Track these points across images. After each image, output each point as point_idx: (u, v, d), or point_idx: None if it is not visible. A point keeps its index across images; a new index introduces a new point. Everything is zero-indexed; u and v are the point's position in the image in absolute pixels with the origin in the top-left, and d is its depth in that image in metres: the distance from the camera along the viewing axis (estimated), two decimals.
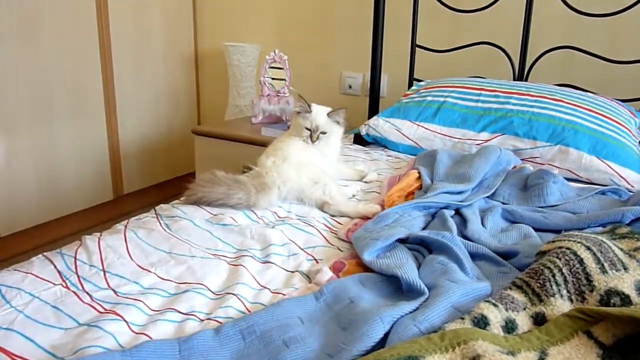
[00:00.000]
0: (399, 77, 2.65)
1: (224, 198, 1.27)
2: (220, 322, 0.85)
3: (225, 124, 2.73)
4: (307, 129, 1.54)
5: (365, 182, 1.60)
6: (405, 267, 0.92)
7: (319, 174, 1.41)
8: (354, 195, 1.48)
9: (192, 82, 3.27)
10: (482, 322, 0.76)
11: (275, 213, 1.30)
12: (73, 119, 2.61)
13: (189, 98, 3.28)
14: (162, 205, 1.31)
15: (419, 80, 2.37)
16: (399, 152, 1.98)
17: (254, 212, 1.29)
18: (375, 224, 1.14)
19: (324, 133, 1.55)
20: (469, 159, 1.55)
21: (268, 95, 2.61)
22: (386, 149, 2.02)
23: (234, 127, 2.65)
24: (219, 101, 3.27)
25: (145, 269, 1.00)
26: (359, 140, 2.09)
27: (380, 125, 2.01)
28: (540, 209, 1.27)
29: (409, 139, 1.95)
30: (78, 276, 0.96)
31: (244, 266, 1.01)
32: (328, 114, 1.55)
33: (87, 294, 0.91)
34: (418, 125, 1.95)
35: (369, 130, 2.04)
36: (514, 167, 1.55)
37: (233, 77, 2.85)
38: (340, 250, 1.11)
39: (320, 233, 1.19)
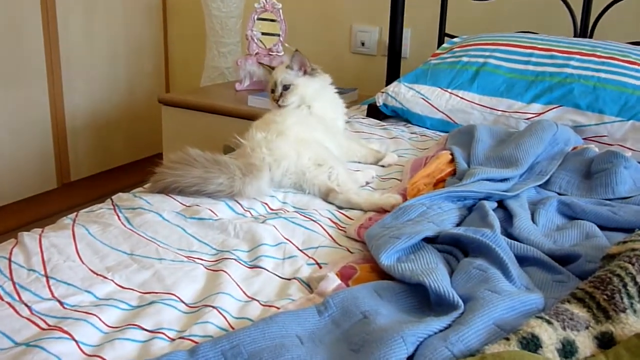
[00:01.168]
0: (426, 32, 2.65)
1: (200, 184, 1.27)
2: (197, 342, 0.85)
3: (201, 91, 2.72)
4: (271, 91, 1.67)
5: (382, 165, 1.61)
6: (434, 273, 0.92)
7: (323, 154, 1.41)
8: (367, 183, 1.48)
9: (158, 37, 3.28)
10: (532, 344, 0.76)
11: (266, 204, 1.31)
12: (5, 85, 2.61)
13: (154, 58, 3.28)
14: (120, 194, 1.31)
15: (452, 37, 2.36)
16: (426, 127, 1.98)
17: (239, 203, 1.29)
18: (396, 219, 1.14)
19: (286, 88, 1.64)
20: (516, 137, 1.54)
21: (257, 54, 2.60)
22: (409, 124, 2.03)
23: (213, 95, 2.64)
24: (193, 62, 3.26)
25: (100, 275, 1.00)
26: (374, 112, 2.09)
27: (402, 93, 2.02)
28: (608, 201, 1.27)
29: (439, 111, 1.95)
30: (14, 283, 0.97)
31: (226, 272, 1.02)
32: (287, 66, 1.68)
33: (26, 305, 0.91)
34: (451, 93, 1.95)
35: (388, 99, 2.05)
36: (574, 148, 1.55)
37: (212, 31, 2.85)
38: (350, 252, 1.12)
39: (325, 230, 1.19)
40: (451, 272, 0.98)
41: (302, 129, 1.47)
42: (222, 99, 2.53)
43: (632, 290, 0.83)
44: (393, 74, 2.46)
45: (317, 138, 1.47)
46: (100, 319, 0.89)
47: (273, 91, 1.67)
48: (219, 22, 2.83)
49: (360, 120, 2.04)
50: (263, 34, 2.63)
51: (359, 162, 1.62)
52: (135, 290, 0.97)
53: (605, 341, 0.80)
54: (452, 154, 1.49)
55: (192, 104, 2.49)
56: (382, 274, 0.99)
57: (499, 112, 1.86)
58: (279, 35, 2.61)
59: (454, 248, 1.05)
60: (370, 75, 2.82)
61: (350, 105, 2.35)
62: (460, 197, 1.23)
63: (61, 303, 0.93)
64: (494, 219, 1.12)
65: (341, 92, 2.42)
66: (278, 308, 0.93)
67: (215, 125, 2.43)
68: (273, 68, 1.73)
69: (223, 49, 2.86)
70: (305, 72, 1.68)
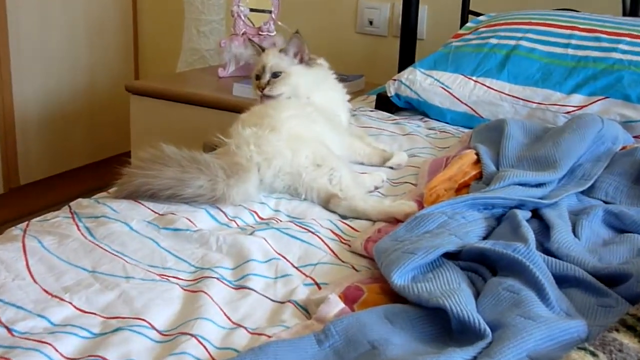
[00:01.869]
0: (447, 9, 2.66)
1: (176, 187, 1.28)
2: None
3: (177, 78, 2.73)
4: (256, 77, 1.68)
5: (391, 167, 1.63)
6: (457, 295, 0.92)
7: (323, 152, 1.42)
8: (376, 188, 1.49)
9: (126, 14, 3.28)
10: None
11: (255, 212, 1.31)
12: None
13: (121, 39, 3.28)
14: (80, 200, 1.31)
15: (478, 14, 2.37)
16: (446, 122, 2.00)
17: (222, 210, 1.29)
18: (410, 231, 1.14)
19: (276, 76, 1.64)
20: (553, 134, 1.55)
21: (244, 34, 2.61)
22: (426, 118, 2.04)
23: (191, 82, 2.64)
24: (167, 43, 3.27)
25: (56, 296, 1.00)
26: (384, 104, 2.10)
27: (418, 81, 2.03)
28: None
29: (462, 102, 1.96)
30: None
31: (206, 293, 1.01)
32: (281, 50, 1.69)
33: None
34: (476, 81, 1.96)
35: (400, 88, 2.06)
36: (623, 147, 1.55)
37: (190, 6, 2.86)
38: (356, 270, 1.12)
39: (325, 243, 1.19)
40: (477, 294, 0.98)
41: (299, 123, 1.47)
42: (202, 87, 2.54)
43: None
44: (407, 59, 2.47)
45: (316, 134, 1.48)
46: (55, 349, 0.89)
47: (258, 77, 1.67)
48: None
49: (368, 114, 2.04)
50: (252, 10, 2.64)
51: (362, 163, 1.64)
52: (98, 315, 0.97)
53: None
54: (477, 154, 1.49)
55: (167, 93, 2.50)
56: (394, 296, 0.99)
57: (534, 105, 1.87)
58: (270, 11, 2.62)
59: (479, 265, 1.05)
60: (380, 59, 2.83)
61: (356, 96, 2.35)
62: (487, 205, 1.23)
63: (9, 330, 0.93)
64: (528, 231, 1.12)
65: (344, 79, 2.43)
66: (269, 337, 0.93)
67: (193, 119, 2.44)
68: (264, 49, 1.74)
69: (204, 27, 2.87)
70: (301, 60, 1.68)
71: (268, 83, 1.65)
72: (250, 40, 1.89)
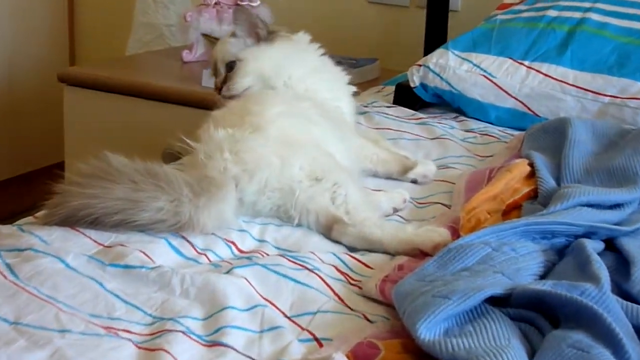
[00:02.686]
0: None
1: (127, 210, 1.28)
2: None
3: (126, 63, 2.76)
4: (213, 71, 1.74)
5: (414, 180, 1.64)
6: (505, 354, 0.92)
7: (324, 162, 1.43)
8: (396, 210, 1.50)
9: None
10: None
11: (232, 243, 1.32)
12: None
13: (51, 13, 3.29)
14: None
15: None
16: (490, 122, 2.01)
17: (189, 241, 1.30)
18: (442, 267, 1.14)
19: (231, 66, 1.69)
20: (634, 139, 1.55)
21: (217, 4, 2.62)
22: (462, 117, 2.05)
23: (146, 68, 2.67)
24: (113, 18, 3.28)
25: None
26: (406, 97, 2.12)
27: (451, 67, 2.04)
28: None
29: (511, 95, 1.97)
30: None
31: (168, 352, 1.01)
32: (232, 34, 1.73)
33: None
34: (529, 67, 1.97)
35: (428, 77, 2.07)
36: None
37: None
38: (369, 321, 1.12)
39: (327, 285, 1.20)
40: (532, 353, 0.98)
41: (291, 122, 1.48)
42: (161, 75, 2.56)
43: None
44: (436, 37, 2.48)
45: (314, 136, 1.48)
46: None
47: (214, 71, 1.74)
48: None
49: (384, 111, 2.05)
50: None
51: (375, 173, 1.65)
52: None
53: None
54: (531, 165, 1.49)
55: (112, 83, 2.51)
56: (421, 356, 0.99)
57: (607, 99, 1.88)
58: None
59: (536, 314, 1.04)
60: (400, 38, 2.84)
61: (367, 86, 2.36)
62: (545, 233, 1.23)
63: None
64: (600, 268, 1.12)
65: (352, 64, 2.42)
66: None
67: (149, 118, 2.45)
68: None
69: None
70: (258, 38, 1.71)
71: (225, 80, 1.69)
72: (205, 35, 1.92)
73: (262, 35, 1.71)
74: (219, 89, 1.70)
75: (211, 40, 1.82)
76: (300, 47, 1.75)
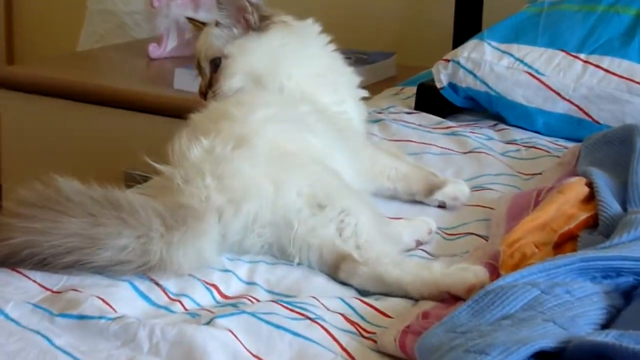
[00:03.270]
0: None
1: (83, 250, 1.27)
2: None
3: (78, 61, 2.75)
4: (197, 69, 1.74)
5: (441, 204, 1.64)
6: None
7: (328, 183, 1.43)
8: (419, 244, 1.49)
9: None
10: None
11: (214, 286, 1.32)
12: None
13: None
14: None
15: None
16: (537, 132, 2.01)
17: (159, 284, 1.30)
18: (478, 315, 1.14)
19: (217, 64, 1.68)
20: None
21: None
22: (502, 125, 2.05)
23: (102, 67, 2.68)
24: (60, 6, 3.30)
25: None
26: (431, 101, 2.12)
27: (488, 62, 2.04)
28: None
29: (564, 97, 1.97)
30: None
31: None
32: (217, 22, 1.71)
33: None
34: (586, 62, 1.97)
35: (458, 75, 2.07)
36: None
37: None
38: None
39: (333, 338, 1.19)
40: None
41: (284, 131, 1.48)
42: (122, 74, 2.58)
43: None
44: (468, 25, 2.49)
45: (313, 149, 1.49)
46: None
47: (197, 67, 1.74)
48: None
49: (403, 118, 2.05)
50: None
51: (394, 192, 1.65)
52: None
53: None
54: (590, 184, 1.49)
55: (60, 86, 2.51)
56: None
57: None
58: None
59: None
60: (423, 26, 2.85)
61: (381, 87, 2.36)
62: (608, 271, 1.23)
63: None
64: None
65: (360, 59, 2.42)
66: None
67: (107, 128, 2.46)
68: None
69: None
70: (247, 26, 1.70)
71: (210, 83, 1.69)
72: (189, 19, 1.91)
73: (253, 22, 1.69)
74: (203, 93, 1.70)
75: (197, 25, 1.80)
76: (305, 39, 1.74)
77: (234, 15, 1.68)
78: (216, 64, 1.68)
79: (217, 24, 1.70)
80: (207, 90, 1.69)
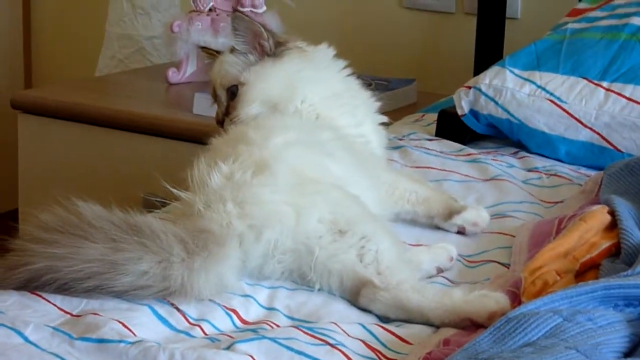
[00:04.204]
0: None
1: (104, 275, 1.28)
2: None
3: (97, 85, 2.76)
4: (213, 97, 1.75)
5: (460, 230, 1.65)
6: None
7: (349, 208, 1.43)
8: (440, 271, 1.50)
9: None
10: None
11: (234, 311, 1.32)
12: None
13: (2, 21, 3.33)
14: None
15: None
16: (559, 160, 2.01)
17: (179, 309, 1.30)
18: (500, 342, 1.13)
19: (233, 92, 1.69)
20: None
21: (212, 11, 2.65)
22: (524, 152, 2.06)
23: (121, 91, 2.68)
24: (80, 29, 3.32)
25: None
26: (452, 128, 2.13)
27: (510, 89, 2.04)
28: None
29: (586, 126, 1.97)
30: None
31: None
32: (232, 49, 1.72)
33: None
34: (608, 90, 1.97)
35: (479, 102, 2.08)
36: None
37: None
38: None
39: None
40: None
41: (304, 156, 1.49)
42: (141, 99, 2.58)
43: None
44: (490, 51, 2.50)
45: (333, 174, 1.50)
46: None
47: (213, 95, 1.75)
48: None
49: (424, 145, 2.06)
50: None
51: (414, 215, 1.66)
52: None
53: None
54: (612, 213, 1.49)
55: (79, 110, 2.53)
56: None
57: None
58: None
59: None
60: (443, 53, 2.86)
61: (402, 114, 2.36)
62: (631, 299, 1.22)
63: None
64: None
65: (381, 86, 2.43)
66: None
67: (126, 153, 2.47)
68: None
69: (142, 0, 2.93)
70: (263, 52, 1.71)
71: (227, 111, 1.70)
72: (204, 49, 1.91)
73: (268, 48, 1.71)
74: (220, 121, 1.71)
75: (211, 53, 1.82)
76: (319, 63, 1.75)
77: (250, 41, 1.69)
78: (233, 91, 1.69)
79: (232, 50, 1.71)
80: (224, 118, 1.70)
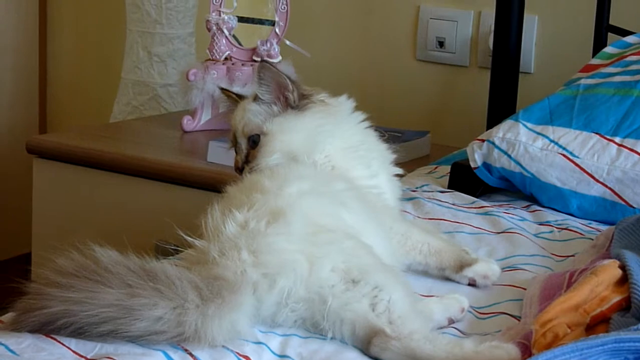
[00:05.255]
0: (570, 22, 2.71)
1: (119, 320, 1.28)
2: None
3: (111, 132, 2.78)
4: (232, 143, 1.75)
5: (472, 283, 1.65)
6: None
7: (362, 258, 1.44)
8: (451, 322, 1.50)
9: (28, 28, 3.34)
10: None
11: (246, 358, 1.31)
12: None
13: (18, 65, 3.35)
14: None
15: (624, 32, 2.41)
16: (570, 214, 2.01)
17: (192, 354, 1.29)
18: None
19: (255, 141, 1.70)
20: None
21: (227, 60, 2.67)
22: (536, 206, 2.06)
23: (135, 138, 2.69)
24: (95, 75, 3.34)
25: None
26: (465, 180, 2.14)
27: (522, 143, 2.05)
28: None
29: (598, 181, 1.98)
30: None
31: None
32: (255, 97, 1.72)
33: None
34: (620, 145, 1.98)
35: (492, 155, 2.09)
36: None
37: (135, 14, 2.91)
38: None
39: None
40: None
41: (318, 206, 1.50)
42: (155, 146, 2.59)
43: None
44: (503, 105, 2.50)
45: (347, 224, 1.50)
46: None
47: (236, 152, 1.75)
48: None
49: (436, 197, 2.07)
50: (241, 20, 2.69)
51: (426, 267, 1.66)
52: None
53: None
54: (623, 267, 1.50)
55: (93, 156, 2.54)
56: None
57: None
58: (273, 23, 2.65)
59: None
60: (457, 106, 2.88)
61: (415, 165, 2.37)
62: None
63: None
64: None
65: (396, 136, 2.44)
66: None
67: (139, 199, 2.48)
68: (242, 99, 1.80)
69: (159, 48, 2.95)
70: (287, 104, 1.71)
71: (247, 159, 1.71)
72: (222, 89, 1.90)
73: (292, 100, 1.71)
74: (239, 169, 1.71)
75: (230, 95, 1.82)
76: (340, 117, 1.75)
77: (275, 92, 1.69)
78: (254, 140, 1.69)
79: (255, 98, 1.72)
80: (244, 166, 1.70)
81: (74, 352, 1.28)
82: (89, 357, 1.27)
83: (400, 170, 1.82)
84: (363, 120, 1.78)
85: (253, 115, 1.70)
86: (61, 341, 1.30)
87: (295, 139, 1.70)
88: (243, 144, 1.71)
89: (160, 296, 1.29)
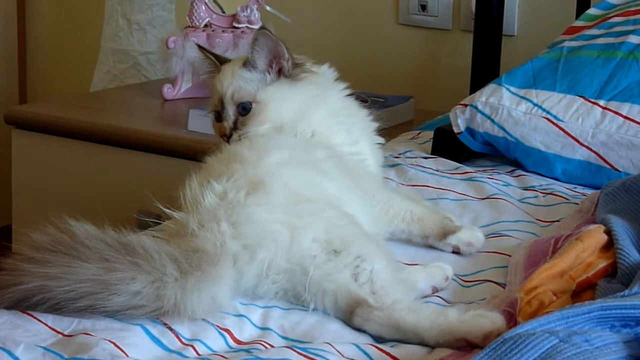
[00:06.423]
0: None
1: (96, 294, 1.27)
2: None
3: (91, 101, 2.77)
4: (216, 115, 1.72)
5: (455, 250, 1.65)
6: None
7: (344, 228, 1.43)
8: (435, 291, 1.50)
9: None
10: None
11: (227, 331, 1.31)
12: None
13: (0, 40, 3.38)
14: None
15: None
16: (555, 178, 2.01)
17: (172, 329, 1.29)
18: None
19: (245, 109, 1.68)
20: None
21: (207, 27, 2.66)
22: (520, 171, 2.06)
23: (116, 107, 2.68)
24: (74, 44, 3.33)
25: None
26: (448, 146, 2.13)
27: (506, 107, 2.04)
28: None
29: (582, 144, 1.97)
30: None
31: None
32: (245, 62, 1.70)
33: None
34: (605, 108, 1.97)
35: (476, 120, 2.08)
36: None
37: None
38: None
39: None
40: None
41: (299, 176, 1.49)
42: (136, 115, 2.58)
43: None
44: (486, 69, 2.50)
45: (328, 193, 1.49)
46: None
47: (219, 116, 1.72)
48: None
49: (420, 163, 2.06)
50: None
51: (409, 234, 1.66)
52: None
53: None
54: (609, 232, 1.49)
55: (73, 126, 2.53)
56: None
57: None
58: None
59: None
60: (439, 70, 2.87)
61: (398, 132, 2.36)
62: (628, 320, 1.21)
63: None
64: None
65: (378, 103, 2.43)
66: None
67: (120, 169, 2.47)
68: (221, 61, 1.78)
69: (139, 15, 2.93)
70: (280, 72, 1.70)
71: (235, 126, 1.68)
72: (200, 47, 1.86)
73: (286, 69, 1.70)
74: (227, 135, 1.68)
75: (209, 57, 1.77)
76: (325, 87, 1.74)
77: (270, 60, 1.68)
78: (244, 107, 1.67)
79: (245, 64, 1.70)
80: (232, 132, 1.68)
81: (50, 328, 1.27)
82: (66, 333, 1.26)
83: (381, 140, 1.81)
84: (344, 89, 1.77)
85: (244, 82, 1.68)
86: (38, 317, 1.29)
87: (288, 109, 1.69)
88: (231, 110, 1.69)
89: (138, 270, 1.28)
